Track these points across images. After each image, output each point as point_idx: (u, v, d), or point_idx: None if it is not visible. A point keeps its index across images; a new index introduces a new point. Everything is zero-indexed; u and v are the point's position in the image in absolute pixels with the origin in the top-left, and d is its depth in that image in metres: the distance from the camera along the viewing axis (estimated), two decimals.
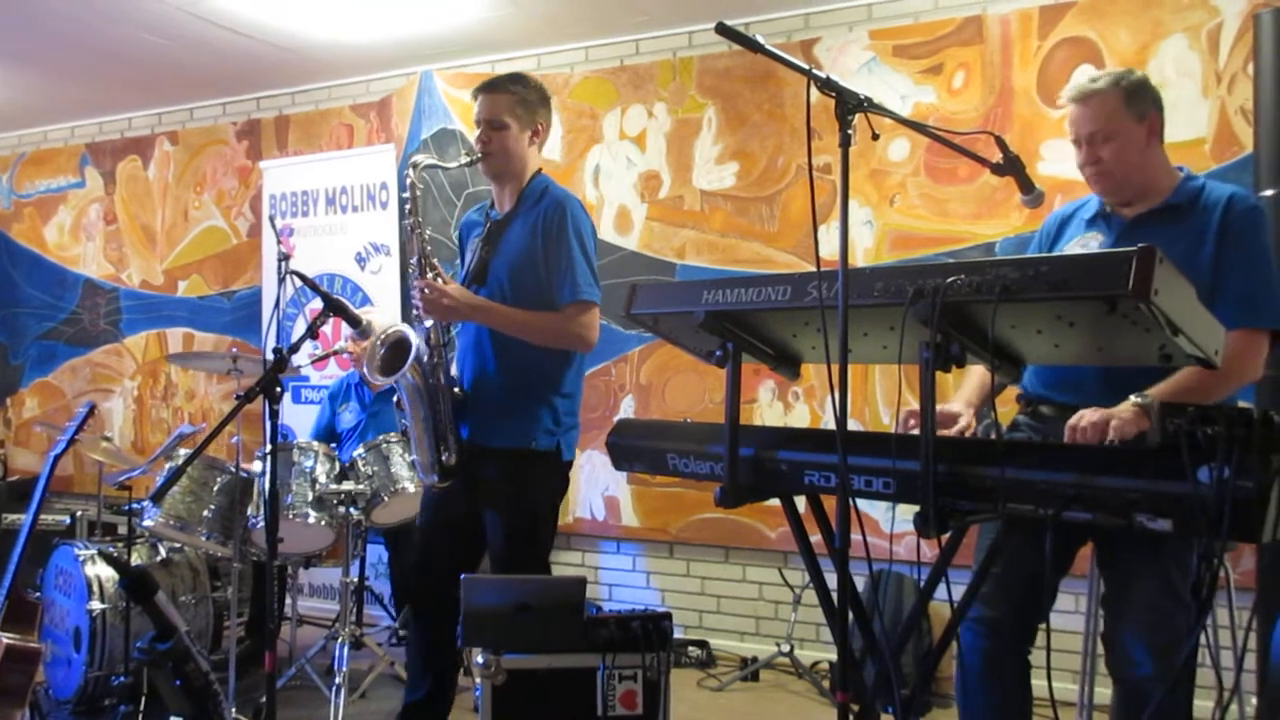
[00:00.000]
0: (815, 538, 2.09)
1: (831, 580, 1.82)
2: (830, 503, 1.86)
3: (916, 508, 1.67)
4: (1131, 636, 2.07)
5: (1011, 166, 2.05)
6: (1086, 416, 1.90)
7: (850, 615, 1.82)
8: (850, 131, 1.78)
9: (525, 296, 2.74)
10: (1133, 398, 1.90)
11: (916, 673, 3.41)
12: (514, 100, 2.79)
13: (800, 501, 2.10)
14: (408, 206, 2.81)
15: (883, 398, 4.09)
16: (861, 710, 1.97)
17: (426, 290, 2.68)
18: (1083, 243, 2.30)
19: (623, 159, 4.66)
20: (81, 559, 3.57)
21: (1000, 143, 2.06)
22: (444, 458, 2.73)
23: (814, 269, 1.74)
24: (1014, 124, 3.88)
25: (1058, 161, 3.72)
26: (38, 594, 3.80)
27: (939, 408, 2.22)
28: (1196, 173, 2.30)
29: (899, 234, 4.11)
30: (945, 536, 1.76)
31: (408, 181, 2.81)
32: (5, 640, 2.71)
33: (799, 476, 1.89)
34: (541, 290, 2.73)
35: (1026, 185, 2.08)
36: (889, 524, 3.62)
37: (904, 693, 1.83)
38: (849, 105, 1.78)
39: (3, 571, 3.02)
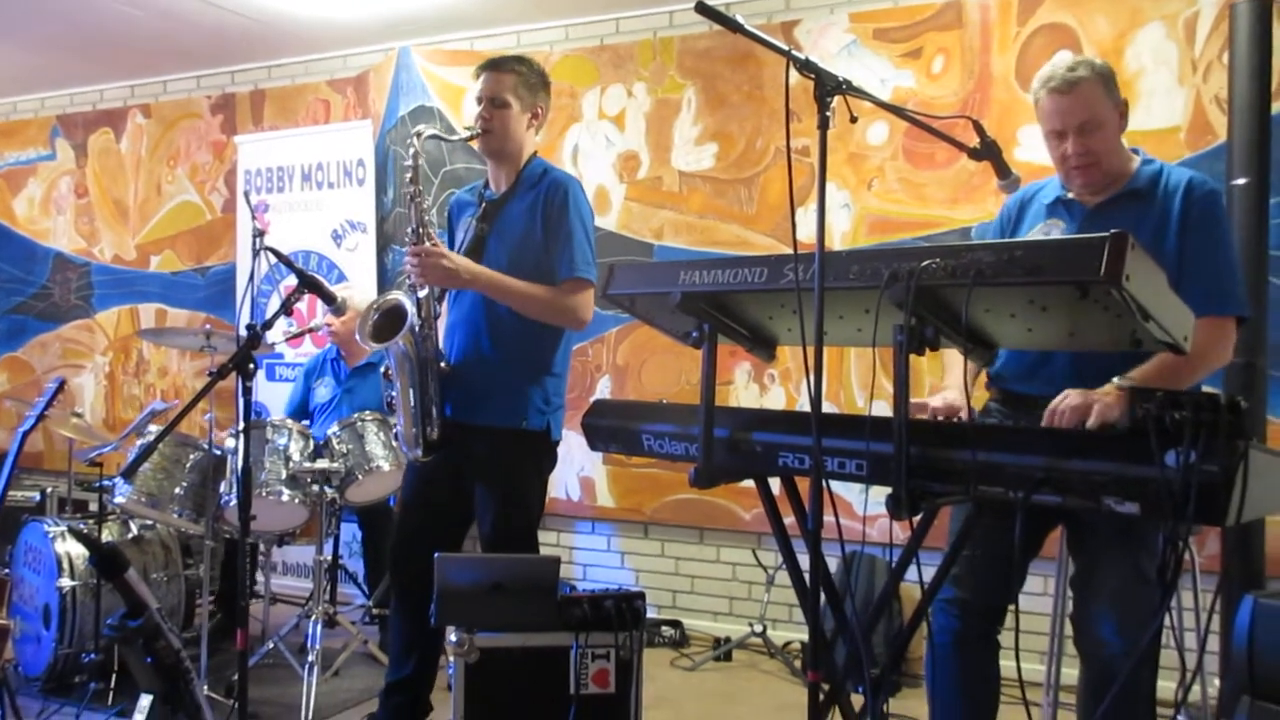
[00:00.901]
0: (789, 519, 2.11)
1: (804, 561, 1.83)
2: (804, 485, 1.87)
3: (889, 490, 1.69)
4: (1100, 616, 2.10)
5: (989, 151, 2.06)
6: (1069, 399, 1.90)
7: (822, 596, 1.83)
8: (829, 114, 1.78)
9: (522, 277, 2.72)
10: (1115, 380, 1.90)
11: (887, 653, 3.42)
12: (518, 80, 2.78)
13: (774, 483, 2.11)
14: (409, 175, 2.78)
15: (858, 381, 4.12)
16: (832, 689, 1.99)
17: (424, 254, 2.64)
18: (1045, 230, 2.28)
19: (602, 139, 4.64)
20: (51, 535, 3.54)
21: (978, 128, 2.07)
22: (428, 431, 2.72)
23: (791, 251, 1.75)
24: (992, 109, 3.89)
25: (1035, 147, 3.72)
26: (6, 570, 3.76)
27: (942, 400, 2.24)
28: (1154, 158, 2.27)
29: (876, 218, 4.12)
30: (917, 518, 1.78)
31: (411, 150, 2.78)
32: None
33: (773, 458, 1.91)
34: (540, 271, 2.72)
35: (1003, 170, 2.08)
36: (862, 506, 3.65)
37: (874, 672, 1.85)
38: (828, 87, 1.78)
39: None
